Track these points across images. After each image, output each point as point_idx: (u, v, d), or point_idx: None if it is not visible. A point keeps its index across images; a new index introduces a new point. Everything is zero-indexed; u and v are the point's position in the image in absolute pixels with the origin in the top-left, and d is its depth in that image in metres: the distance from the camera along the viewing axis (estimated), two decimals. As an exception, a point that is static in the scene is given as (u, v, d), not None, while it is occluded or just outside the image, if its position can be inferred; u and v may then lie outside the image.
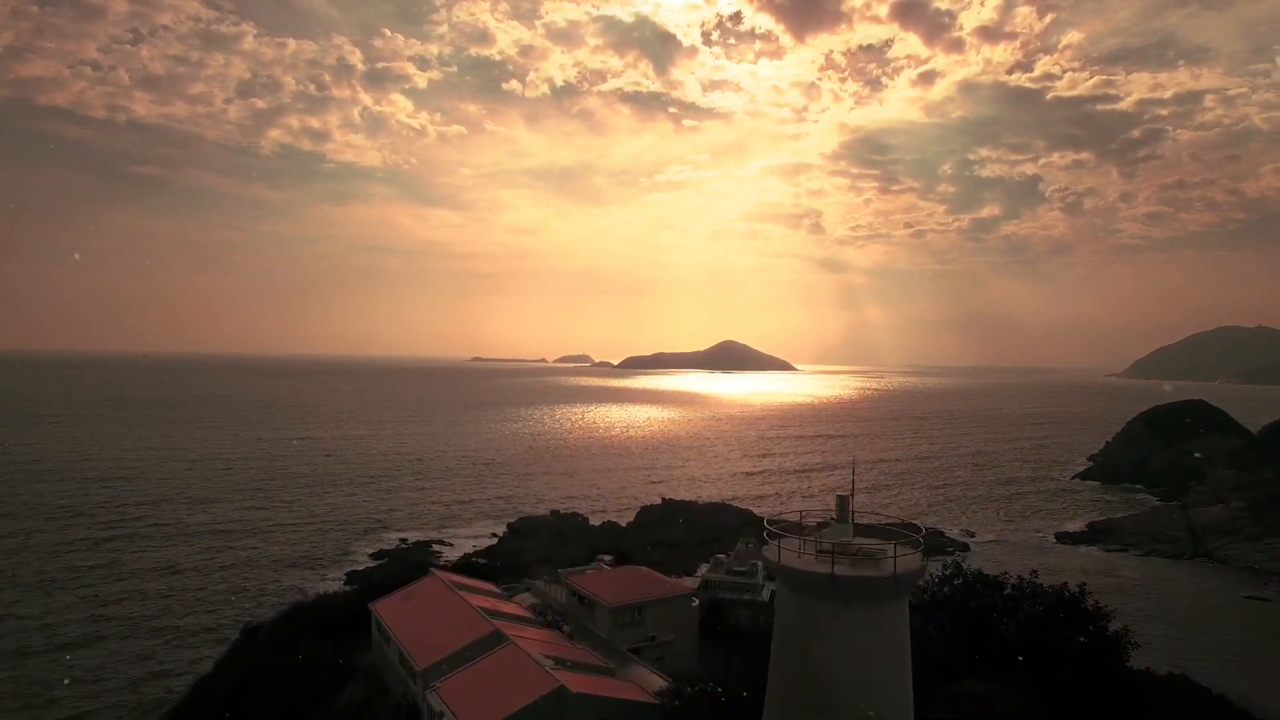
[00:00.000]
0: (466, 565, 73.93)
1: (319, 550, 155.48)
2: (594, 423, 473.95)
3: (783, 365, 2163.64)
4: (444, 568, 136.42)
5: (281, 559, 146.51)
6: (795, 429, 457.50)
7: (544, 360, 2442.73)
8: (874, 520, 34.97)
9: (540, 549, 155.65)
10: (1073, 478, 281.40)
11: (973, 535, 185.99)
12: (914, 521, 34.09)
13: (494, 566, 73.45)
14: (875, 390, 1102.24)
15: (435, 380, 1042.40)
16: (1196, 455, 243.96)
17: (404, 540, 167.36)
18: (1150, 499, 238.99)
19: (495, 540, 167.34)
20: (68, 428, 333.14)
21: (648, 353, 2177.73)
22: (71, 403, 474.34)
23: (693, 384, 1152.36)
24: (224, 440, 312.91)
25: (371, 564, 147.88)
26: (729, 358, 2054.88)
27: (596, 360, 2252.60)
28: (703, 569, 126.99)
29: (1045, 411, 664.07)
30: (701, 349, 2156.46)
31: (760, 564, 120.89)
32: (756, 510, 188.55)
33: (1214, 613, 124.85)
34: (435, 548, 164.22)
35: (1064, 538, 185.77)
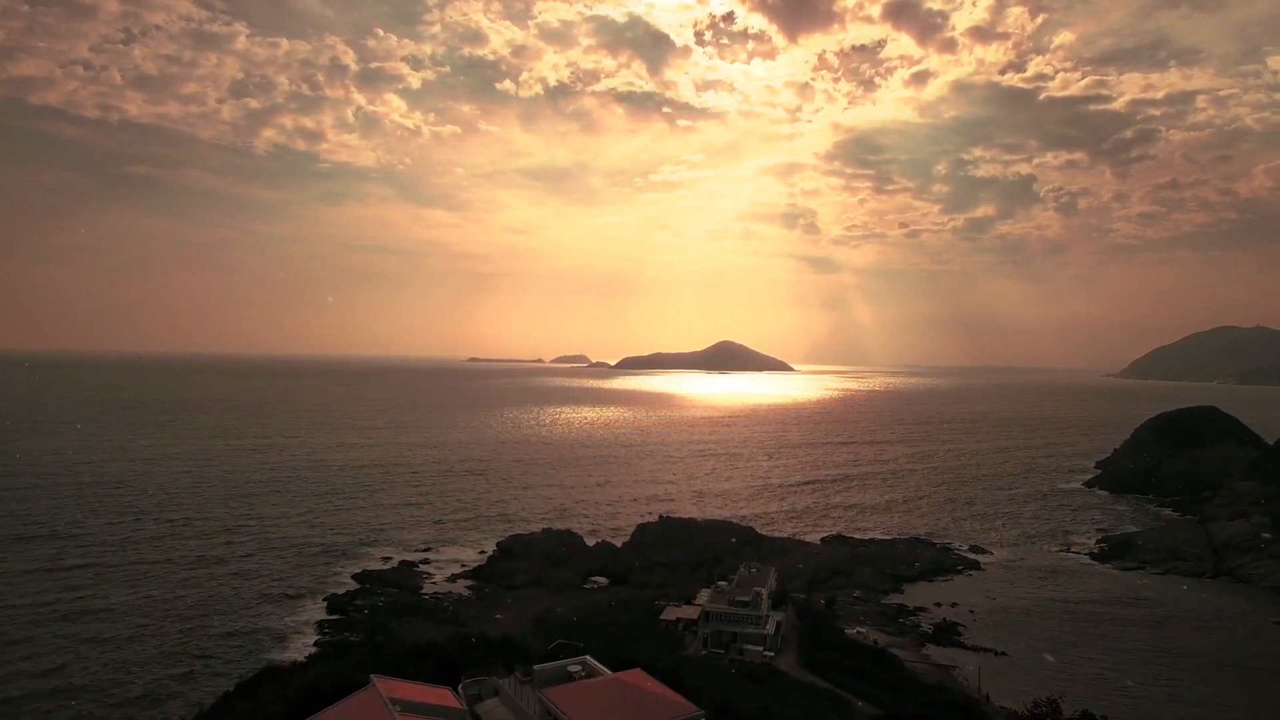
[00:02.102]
0: (428, 652, 64.68)
1: (300, 573, 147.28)
2: (590, 429, 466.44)
3: (780, 365, 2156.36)
4: (425, 606, 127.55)
5: (258, 588, 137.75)
6: (796, 434, 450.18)
7: (541, 360, 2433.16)
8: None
9: (530, 571, 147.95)
10: (1080, 486, 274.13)
11: (983, 552, 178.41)
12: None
13: (455, 653, 63.78)
14: (873, 391, 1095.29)
15: (431, 381, 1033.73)
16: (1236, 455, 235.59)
17: (388, 560, 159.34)
18: (1162, 510, 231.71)
19: (484, 560, 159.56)
20: (52, 436, 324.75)
21: (645, 353, 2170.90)
22: (61, 408, 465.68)
23: (690, 385, 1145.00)
24: (211, 448, 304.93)
25: (353, 587, 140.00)
26: (726, 358, 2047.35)
27: (594, 360, 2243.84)
28: (703, 595, 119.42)
29: (1048, 414, 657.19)
30: (699, 349, 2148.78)
31: (765, 593, 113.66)
32: (758, 528, 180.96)
33: (1246, 645, 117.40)
34: (421, 568, 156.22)
35: (1078, 555, 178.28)
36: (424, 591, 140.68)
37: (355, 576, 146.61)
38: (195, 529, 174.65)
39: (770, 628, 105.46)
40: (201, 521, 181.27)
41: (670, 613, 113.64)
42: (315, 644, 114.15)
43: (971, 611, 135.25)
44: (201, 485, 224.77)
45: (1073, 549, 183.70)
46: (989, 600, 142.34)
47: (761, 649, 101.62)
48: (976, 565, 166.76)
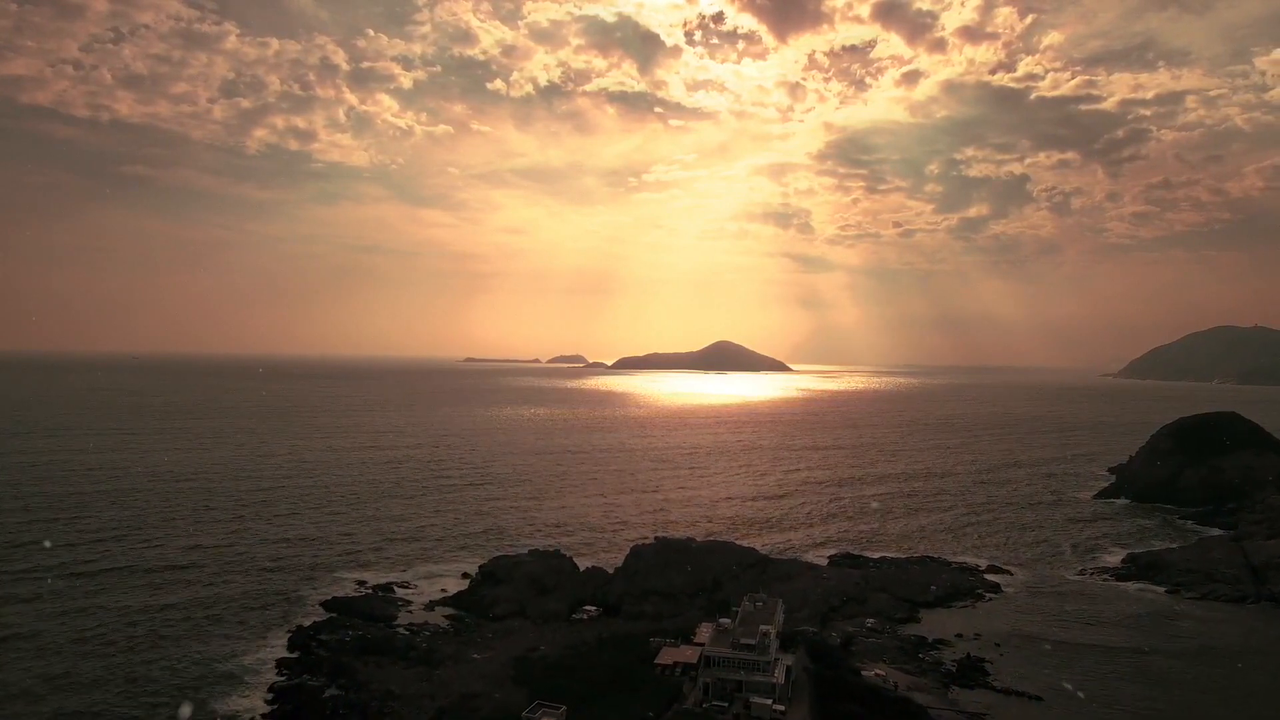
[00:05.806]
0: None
1: (266, 600, 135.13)
2: (583, 435, 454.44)
3: (776, 365, 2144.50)
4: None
5: (217, 618, 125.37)
6: (797, 438, 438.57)
7: (537, 361, 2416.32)
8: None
9: (515, 599, 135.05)
10: (1096, 496, 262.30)
11: (1003, 572, 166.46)
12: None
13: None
14: (872, 392, 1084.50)
15: (425, 382, 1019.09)
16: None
17: (363, 584, 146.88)
18: (1187, 523, 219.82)
19: (465, 584, 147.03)
20: (29, 443, 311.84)
21: (641, 353, 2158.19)
22: (45, 413, 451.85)
23: (687, 386, 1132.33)
24: (189, 457, 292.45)
25: (320, 618, 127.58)
26: (723, 358, 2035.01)
27: (590, 361, 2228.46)
28: (704, 631, 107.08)
29: (1049, 416, 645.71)
30: (695, 349, 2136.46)
31: (773, 632, 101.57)
32: (760, 548, 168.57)
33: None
34: (397, 592, 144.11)
35: (1105, 575, 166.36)
36: (398, 622, 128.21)
37: (324, 605, 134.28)
38: (158, 549, 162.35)
39: (779, 674, 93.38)
40: (165, 540, 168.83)
41: (666, 655, 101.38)
42: (270, 688, 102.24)
43: (997, 644, 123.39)
44: (172, 498, 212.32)
45: (1098, 568, 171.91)
46: (1014, 631, 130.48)
47: (770, 701, 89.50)
48: (997, 588, 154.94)
